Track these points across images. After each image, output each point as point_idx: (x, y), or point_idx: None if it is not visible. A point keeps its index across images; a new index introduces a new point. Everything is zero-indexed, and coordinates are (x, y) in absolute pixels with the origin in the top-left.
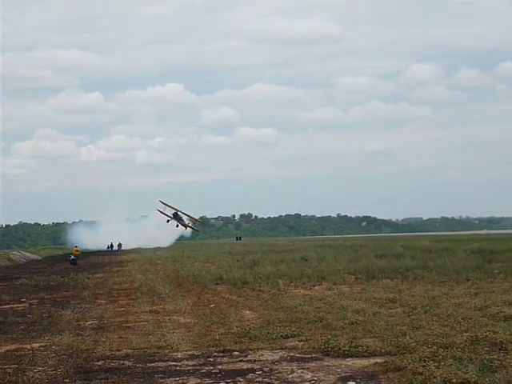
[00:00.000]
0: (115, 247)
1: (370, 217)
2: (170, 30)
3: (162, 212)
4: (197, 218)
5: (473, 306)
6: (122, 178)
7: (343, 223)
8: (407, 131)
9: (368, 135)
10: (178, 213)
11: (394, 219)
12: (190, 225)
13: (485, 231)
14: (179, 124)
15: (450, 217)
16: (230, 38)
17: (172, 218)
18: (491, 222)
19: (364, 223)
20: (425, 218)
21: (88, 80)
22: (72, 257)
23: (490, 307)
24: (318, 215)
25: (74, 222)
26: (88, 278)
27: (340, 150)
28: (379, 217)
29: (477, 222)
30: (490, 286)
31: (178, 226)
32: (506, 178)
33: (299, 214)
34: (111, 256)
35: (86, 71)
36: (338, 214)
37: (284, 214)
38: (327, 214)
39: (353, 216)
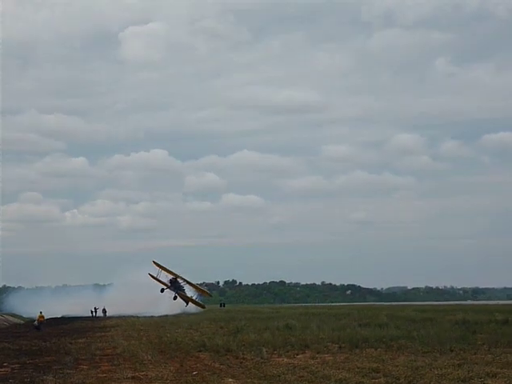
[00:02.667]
0: (99, 313)
1: (354, 285)
2: (158, 96)
3: (154, 277)
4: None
5: (456, 378)
6: (107, 243)
7: (328, 291)
8: (391, 200)
9: (352, 203)
10: (178, 280)
11: (378, 288)
12: (193, 298)
13: (469, 302)
14: (164, 189)
15: (434, 286)
16: (216, 105)
17: (168, 287)
18: (476, 293)
19: (349, 292)
20: (409, 288)
21: (73, 144)
22: (36, 323)
23: (473, 379)
24: (302, 283)
25: (56, 287)
26: (70, 343)
27: (325, 217)
28: (364, 285)
29: (461, 292)
30: (473, 358)
31: (176, 298)
32: (490, 249)
33: (284, 282)
34: (94, 321)
35: (71, 136)
36: (323, 282)
37: (269, 281)
38: (312, 282)
39: (337, 284)
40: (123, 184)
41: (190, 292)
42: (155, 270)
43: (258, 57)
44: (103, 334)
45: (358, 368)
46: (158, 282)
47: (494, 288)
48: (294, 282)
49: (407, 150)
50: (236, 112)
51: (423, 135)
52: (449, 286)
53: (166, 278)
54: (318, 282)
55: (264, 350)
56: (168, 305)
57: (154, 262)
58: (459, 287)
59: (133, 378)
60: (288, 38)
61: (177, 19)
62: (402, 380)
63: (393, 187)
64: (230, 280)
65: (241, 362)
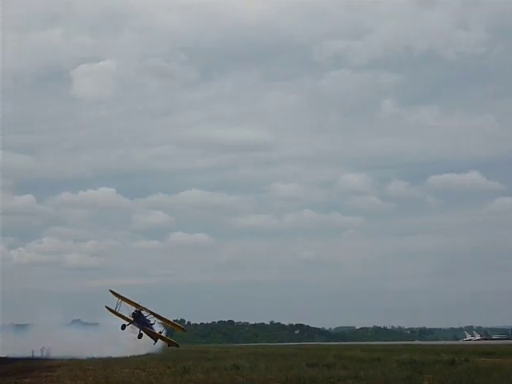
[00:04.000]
0: (38, 353)
1: (303, 325)
2: (107, 134)
3: (113, 311)
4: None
5: None
6: (54, 281)
7: (276, 330)
8: (339, 240)
9: (301, 242)
10: (143, 312)
11: (326, 328)
12: (162, 333)
13: (416, 341)
14: (111, 227)
15: (382, 326)
16: (165, 143)
17: (131, 322)
18: (423, 333)
19: (297, 331)
20: (357, 327)
21: (21, 182)
22: None
23: None
24: (251, 322)
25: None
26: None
27: (274, 256)
28: (312, 325)
29: (409, 332)
30: None
31: (141, 336)
32: (437, 289)
33: (232, 321)
34: (40, 361)
35: (18, 173)
36: (272, 322)
37: (217, 321)
38: (261, 321)
39: (286, 324)
40: (71, 222)
41: (158, 327)
42: (113, 303)
43: (210, 95)
44: (49, 373)
45: None
46: (117, 317)
47: (440, 328)
48: (242, 321)
49: (355, 190)
50: (185, 150)
51: (371, 175)
52: (396, 326)
53: (127, 310)
54: (267, 322)
55: None
56: (132, 344)
57: (111, 291)
58: (407, 327)
59: None
60: (240, 77)
61: (128, 57)
62: None
63: (341, 227)
64: (179, 319)
65: None
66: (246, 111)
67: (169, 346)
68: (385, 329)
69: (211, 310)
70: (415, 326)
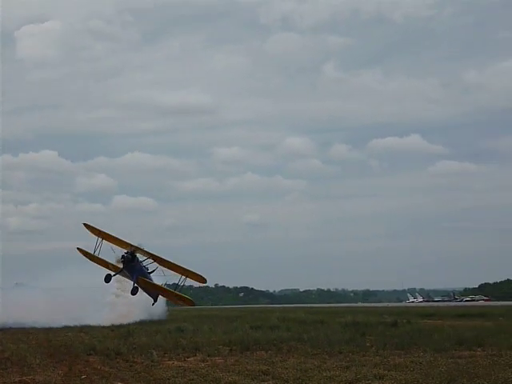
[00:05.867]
0: None
1: (247, 287)
2: (50, 96)
3: (88, 254)
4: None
5: (344, 380)
6: None
7: (221, 293)
8: (283, 203)
9: (244, 206)
10: (139, 254)
11: (271, 290)
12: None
13: (360, 304)
14: (53, 190)
15: (325, 289)
16: (109, 106)
17: (120, 270)
18: (366, 295)
19: (241, 294)
20: (301, 290)
21: None
22: None
23: (360, 381)
24: (195, 285)
25: None
26: None
27: (218, 219)
28: (257, 288)
29: (352, 294)
30: (362, 359)
31: (135, 290)
32: (381, 251)
33: (177, 284)
34: None
35: None
36: (216, 285)
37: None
38: (205, 284)
39: (230, 286)
40: (12, 185)
41: (160, 280)
42: (87, 243)
43: (154, 58)
44: None
45: (248, 370)
46: (98, 264)
47: (384, 290)
48: (186, 284)
49: (298, 153)
50: (128, 113)
51: (314, 139)
52: (340, 289)
53: (114, 254)
54: (211, 285)
55: (154, 353)
56: (121, 304)
57: (85, 224)
58: (350, 289)
59: (20, 382)
60: (186, 39)
61: (73, 18)
62: (290, 382)
63: (284, 190)
64: None
65: (131, 366)
66: (190, 74)
67: (182, 304)
68: (328, 291)
69: None
70: (359, 289)
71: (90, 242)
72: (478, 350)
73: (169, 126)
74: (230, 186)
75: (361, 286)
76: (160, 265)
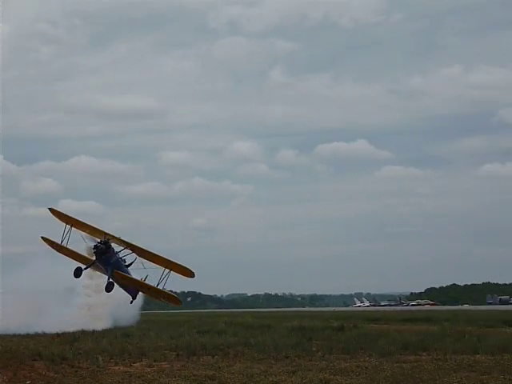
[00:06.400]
0: None
1: (195, 292)
2: None
3: (54, 244)
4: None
5: None
6: None
7: None
8: (231, 208)
9: (192, 210)
10: (114, 243)
11: (218, 295)
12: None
13: (307, 308)
14: None
15: (273, 293)
16: (56, 110)
17: (91, 264)
18: (313, 299)
19: (189, 298)
20: (249, 294)
21: None
22: None
23: None
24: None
25: None
26: None
27: (165, 224)
28: (204, 292)
29: (299, 299)
30: (308, 364)
31: (110, 286)
32: (328, 256)
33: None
34: None
35: None
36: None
37: None
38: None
39: (178, 291)
40: None
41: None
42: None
43: (102, 61)
44: None
45: (194, 376)
46: (66, 255)
47: (331, 295)
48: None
49: (246, 158)
50: (75, 117)
51: (261, 144)
52: (287, 293)
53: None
54: None
55: (100, 358)
56: (93, 305)
57: (51, 209)
58: (297, 294)
59: None
60: (135, 43)
61: (20, 21)
62: None
63: (232, 195)
64: None
65: (76, 371)
66: (138, 78)
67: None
68: (276, 296)
69: None
70: (306, 293)
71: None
72: (423, 354)
73: (116, 129)
74: (178, 190)
75: (308, 291)
76: (139, 256)
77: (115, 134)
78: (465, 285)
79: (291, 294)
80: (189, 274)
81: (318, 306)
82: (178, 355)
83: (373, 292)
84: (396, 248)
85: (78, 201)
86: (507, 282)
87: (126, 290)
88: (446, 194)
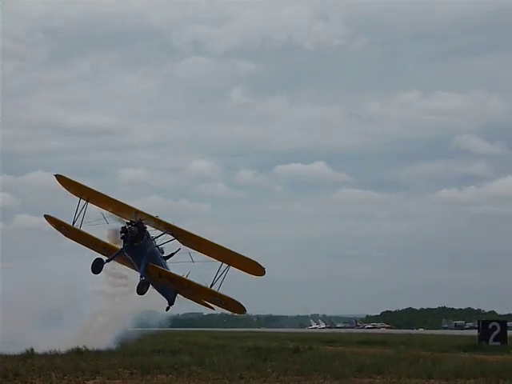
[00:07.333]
0: None
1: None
2: None
3: (63, 225)
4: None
5: None
6: None
7: None
8: (187, 227)
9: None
10: (148, 224)
11: (174, 314)
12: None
13: (262, 329)
14: None
15: (229, 313)
16: (15, 125)
17: (119, 252)
18: (270, 320)
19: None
20: (205, 314)
21: None
22: None
23: None
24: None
25: None
26: None
27: None
28: (160, 311)
29: (255, 319)
30: None
31: (145, 288)
32: (284, 277)
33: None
34: None
35: None
36: None
37: None
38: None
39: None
40: None
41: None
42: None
43: (65, 78)
44: None
45: None
46: (79, 242)
47: (287, 316)
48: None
49: (204, 176)
50: (34, 132)
51: (219, 163)
52: None
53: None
54: None
55: (53, 375)
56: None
57: (58, 175)
58: (253, 314)
59: None
60: (98, 60)
61: None
62: None
63: (189, 213)
64: None
65: None
66: (99, 96)
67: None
68: (232, 315)
69: None
70: (262, 314)
71: None
72: (378, 377)
73: (73, 146)
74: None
75: (264, 311)
76: (185, 245)
77: (73, 150)
78: (420, 308)
79: (247, 314)
80: (258, 270)
81: (273, 327)
82: (132, 373)
83: (329, 314)
84: (352, 270)
85: (35, 216)
86: (463, 307)
87: (161, 291)
88: (403, 218)
